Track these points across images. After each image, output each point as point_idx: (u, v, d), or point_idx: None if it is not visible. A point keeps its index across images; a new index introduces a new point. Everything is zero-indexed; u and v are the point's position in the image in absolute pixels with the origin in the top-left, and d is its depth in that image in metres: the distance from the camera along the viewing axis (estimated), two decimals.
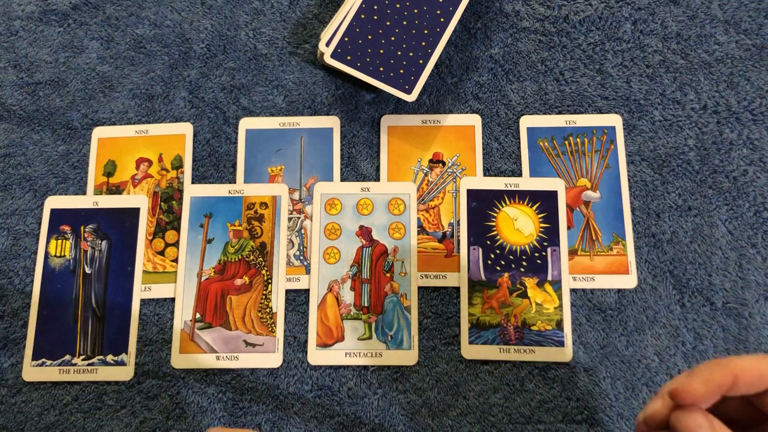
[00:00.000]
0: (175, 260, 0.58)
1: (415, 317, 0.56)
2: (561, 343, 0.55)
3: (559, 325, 0.56)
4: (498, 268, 0.57)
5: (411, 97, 0.57)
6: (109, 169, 0.61)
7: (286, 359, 0.56)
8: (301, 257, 0.58)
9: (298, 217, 0.60)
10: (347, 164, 0.61)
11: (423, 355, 0.56)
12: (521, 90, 0.62)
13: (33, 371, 0.56)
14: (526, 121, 0.61)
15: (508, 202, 0.59)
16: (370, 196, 0.59)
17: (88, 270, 0.58)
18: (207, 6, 0.65)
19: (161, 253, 0.59)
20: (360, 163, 0.61)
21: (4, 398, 0.56)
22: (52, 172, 0.61)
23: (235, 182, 0.61)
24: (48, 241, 0.59)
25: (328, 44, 0.58)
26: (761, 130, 0.60)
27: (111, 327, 0.57)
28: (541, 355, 0.55)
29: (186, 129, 0.62)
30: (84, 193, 0.61)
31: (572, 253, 0.58)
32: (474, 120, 0.61)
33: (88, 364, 0.56)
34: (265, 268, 0.58)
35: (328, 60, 0.57)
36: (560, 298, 0.56)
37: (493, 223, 0.58)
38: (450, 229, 0.59)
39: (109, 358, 0.56)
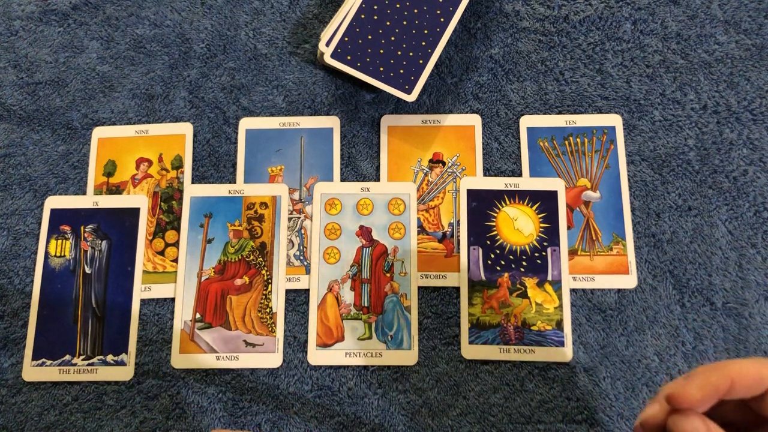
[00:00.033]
0: (175, 260, 0.58)
1: (415, 317, 0.56)
2: (561, 343, 0.55)
3: (559, 325, 0.55)
4: (498, 268, 0.57)
5: (411, 97, 0.57)
6: (109, 169, 0.61)
7: (286, 359, 0.56)
8: (301, 257, 0.58)
9: (298, 217, 0.60)
10: (347, 164, 0.61)
11: (423, 355, 0.56)
12: (521, 90, 0.62)
13: (33, 371, 0.56)
14: (526, 121, 0.61)
15: (508, 202, 0.59)
16: (370, 196, 0.59)
17: (88, 270, 0.58)
18: (207, 6, 0.65)
19: (161, 253, 0.59)
20: (360, 163, 0.61)
21: (4, 398, 0.56)
22: (52, 172, 0.61)
23: (235, 182, 0.61)
24: (48, 241, 0.59)
25: (328, 44, 0.58)
26: (761, 130, 0.60)
27: (111, 327, 0.57)
28: (541, 355, 0.55)
29: (186, 129, 0.62)
30: (84, 193, 0.61)
31: (572, 253, 0.58)
32: (474, 120, 0.61)
33: (88, 364, 0.56)
34: (265, 268, 0.58)
35: (328, 60, 0.57)
36: (560, 298, 0.56)
37: (493, 223, 0.58)
38: (450, 229, 0.59)
39: (109, 358, 0.56)
